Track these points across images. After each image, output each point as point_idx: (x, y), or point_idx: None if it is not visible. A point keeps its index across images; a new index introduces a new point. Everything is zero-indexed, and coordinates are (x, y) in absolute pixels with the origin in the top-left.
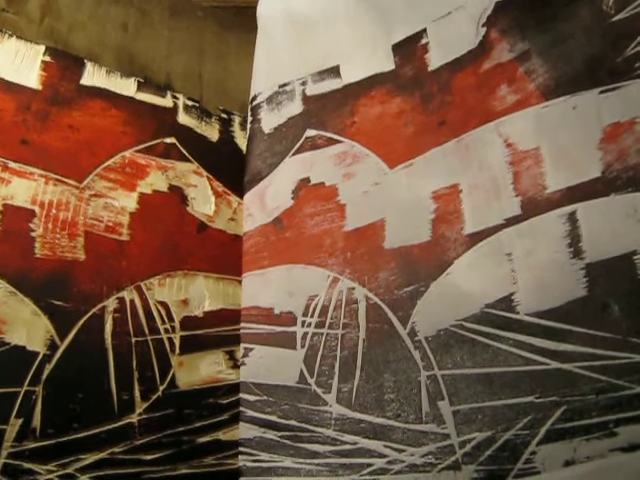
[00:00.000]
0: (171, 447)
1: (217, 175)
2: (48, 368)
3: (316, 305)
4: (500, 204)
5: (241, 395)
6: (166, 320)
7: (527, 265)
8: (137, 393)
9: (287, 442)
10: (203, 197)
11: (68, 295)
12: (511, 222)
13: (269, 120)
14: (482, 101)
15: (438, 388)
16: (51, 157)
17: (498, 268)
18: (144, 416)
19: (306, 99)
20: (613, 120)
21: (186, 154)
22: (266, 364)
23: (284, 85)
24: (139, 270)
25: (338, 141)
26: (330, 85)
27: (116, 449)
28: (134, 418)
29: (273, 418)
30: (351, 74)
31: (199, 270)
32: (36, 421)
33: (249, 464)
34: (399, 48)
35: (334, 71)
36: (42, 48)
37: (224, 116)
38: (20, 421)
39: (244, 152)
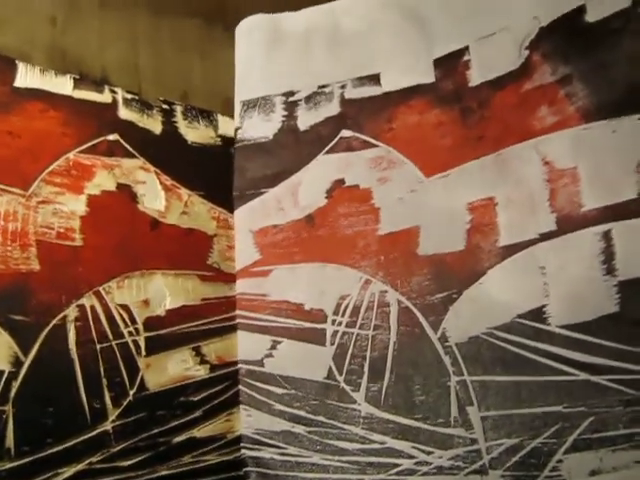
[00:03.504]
0: (148, 450)
1: (164, 169)
2: (15, 385)
3: (347, 305)
4: (535, 219)
5: (268, 387)
6: (129, 323)
7: (560, 279)
8: (108, 400)
9: (315, 438)
10: (153, 193)
11: (27, 308)
12: (546, 237)
13: (306, 118)
14: (522, 120)
15: (467, 394)
16: None
17: (531, 280)
18: (117, 422)
19: (344, 102)
20: None
21: (131, 150)
22: (294, 358)
23: (323, 86)
24: (96, 275)
25: (374, 145)
26: (369, 91)
27: (93, 459)
28: (108, 426)
29: (302, 413)
30: (391, 83)
31: (156, 268)
32: (9, 441)
33: (277, 457)
34: (440, 63)
35: (374, 78)
36: None
37: (165, 107)
38: None
39: (189, 142)
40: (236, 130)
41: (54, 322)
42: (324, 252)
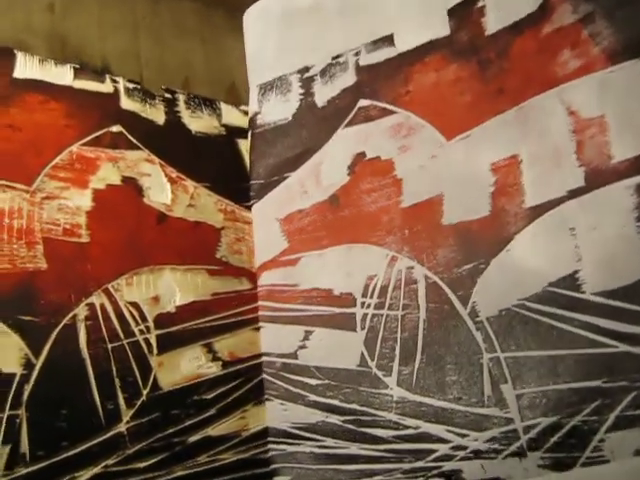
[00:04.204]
0: (163, 451)
1: (169, 160)
2: (27, 389)
3: (375, 285)
4: (563, 175)
5: (302, 379)
6: (140, 321)
7: (592, 240)
8: (121, 401)
9: (350, 427)
10: (158, 186)
11: (36, 308)
12: (574, 194)
13: (323, 93)
14: (543, 67)
15: (501, 371)
16: None
17: (561, 244)
18: (132, 423)
19: (359, 69)
20: None
21: (135, 141)
22: (327, 347)
23: (337, 57)
24: (104, 272)
25: (392, 112)
26: (384, 54)
27: (109, 461)
28: (122, 427)
29: (335, 402)
30: (405, 42)
31: (165, 263)
32: (24, 445)
33: (316, 450)
34: (455, 12)
35: (388, 40)
36: None
37: (168, 96)
38: (8, 448)
39: (193, 132)
40: (254, 116)
41: (64, 322)
42: (349, 232)
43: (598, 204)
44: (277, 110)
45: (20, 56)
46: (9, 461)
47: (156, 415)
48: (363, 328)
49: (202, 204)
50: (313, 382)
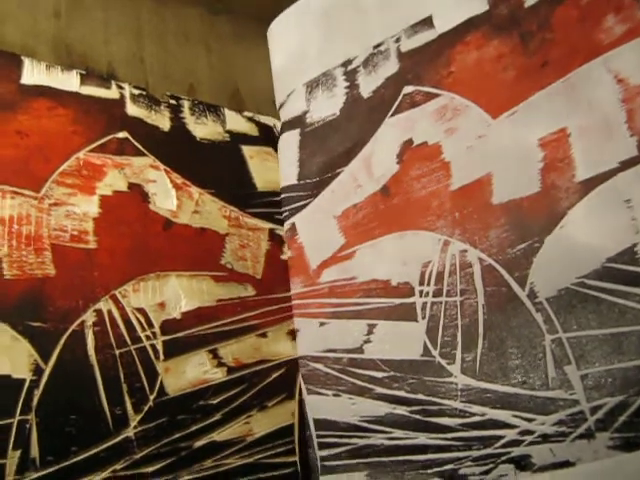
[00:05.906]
0: (170, 456)
1: (174, 166)
2: (37, 394)
3: (431, 272)
4: (614, 146)
5: (369, 372)
6: (146, 327)
7: None
8: (129, 406)
9: (418, 417)
10: (164, 192)
11: (45, 315)
12: (627, 164)
13: (367, 84)
14: (587, 35)
15: (564, 352)
16: (3, 168)
17: (617, 217)
18: (139, 428)
19: (401, 56)
20: None
21: (140, 148)
22: (391, 340)
23: (378, 45)
24: (112, 278)
25: (436, 95)
26: (424, 37)
27: (117, 466)
28: (130, 432)
29: (401, 393)
30: (444, 22)
31: (171, 270)
32: (34, 450)
33: (386, 442)
34: None
35: (427, 22)
36: None
37: (173, 102)
38: (18, 453)
39: (198, 139)
40: (303, 115)
41: (72, 328)
42: (401, 220)
43: None
44: (325, 106)
45: (27, 62)
46: (20, 466)
47: (163, 420)
48: (424, 317)
49: (207, 210)
50: (379, 375)
